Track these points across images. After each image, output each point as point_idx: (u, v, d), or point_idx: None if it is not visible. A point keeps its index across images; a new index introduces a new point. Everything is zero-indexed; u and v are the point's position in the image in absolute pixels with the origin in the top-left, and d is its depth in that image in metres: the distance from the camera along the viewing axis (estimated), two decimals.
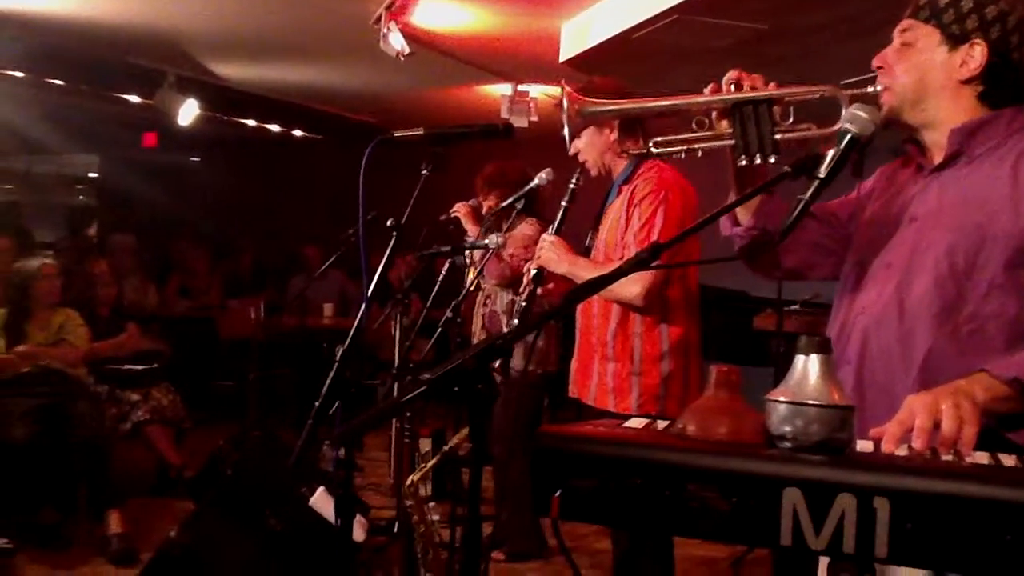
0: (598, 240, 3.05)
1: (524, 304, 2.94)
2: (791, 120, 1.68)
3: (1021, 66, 1.65)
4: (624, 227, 2.90)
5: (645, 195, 2.86)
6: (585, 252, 3.04)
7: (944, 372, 1.51)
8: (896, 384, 1.60)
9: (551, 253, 2.89)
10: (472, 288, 3.20)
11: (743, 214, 1.82)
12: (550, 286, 3.04)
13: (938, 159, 1.70)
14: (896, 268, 1.67)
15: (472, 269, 4.10)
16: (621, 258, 2.88)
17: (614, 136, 2.97)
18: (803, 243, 1.82)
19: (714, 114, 1.71)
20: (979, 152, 1.65)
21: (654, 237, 2.79)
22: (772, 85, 1.68)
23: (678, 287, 2.92)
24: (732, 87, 1.69)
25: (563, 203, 2.94)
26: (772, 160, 1.66)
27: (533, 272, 2.94)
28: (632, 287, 2.77)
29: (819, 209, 1.83)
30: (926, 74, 1.67)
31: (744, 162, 1.66)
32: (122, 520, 4.27)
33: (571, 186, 2.94)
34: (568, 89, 1.83)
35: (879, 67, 1.71)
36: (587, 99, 1.84)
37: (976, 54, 1.63)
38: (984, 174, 1.62)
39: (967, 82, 1.65)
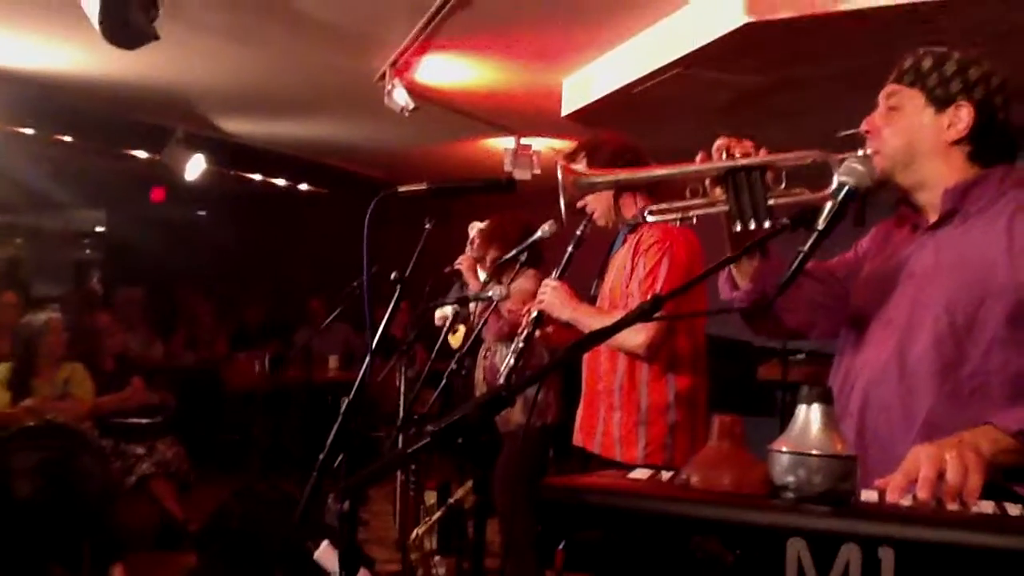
0: (603, 288, 3.06)
1: (521, 346, 2.94)
2: (783, 184, 1.70)
3: (1006, 125, 1.68)
4: (629, 276, 2.91)
5: (650, 245, 2.87)
6: (590, 300, 3.05)
7: (946, 429, 1.50)
8: (897, 441, 1.60)
9: (554, 298, 2.89)
10: (472, 341, 3.20)
11: (741, 278, 1.84)
12: (548, 329, 3.05)
13: (933, 218, 1.72)
14: (896, 325, 1.68)
15: (473, 321, 4.11)
16: (625, 307, 2.89)
17: (627, 203, 3.00)
18: (802, 302, 1.84)
19: (707, 182, 1.73)
20: (973, 210, 1.67)
21: (658, 287, 2.80)
22: (763, 152, 1.71)
23: (685, 338, 2.92)
24: (723, 154, 1.71)
25: (569, 249, 2.95)
26: (766, 225, 1.68)
27: (533, 315, 2.94)
28: (636, 337, 2.78)
29: (817, 268, 1.85)
30: (914, 137, 1.69)
31: (739, 228, 1.69)
32: (126, 575, 4.23)
33: (578, 232, 2.96)
34: (563, 162, 1.87)
35: (867, 132, 1.74)
36: (581, 172, 1.88)
37: (963, 115, 1.66)
38: (980, 232, 1.64)
39: (956, 143, 1.68)
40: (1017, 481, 1.46)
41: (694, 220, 1.74)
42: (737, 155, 1.70)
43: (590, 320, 2.86)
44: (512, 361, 2.94)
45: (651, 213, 1.75)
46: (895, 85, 1.73)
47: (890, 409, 1.64)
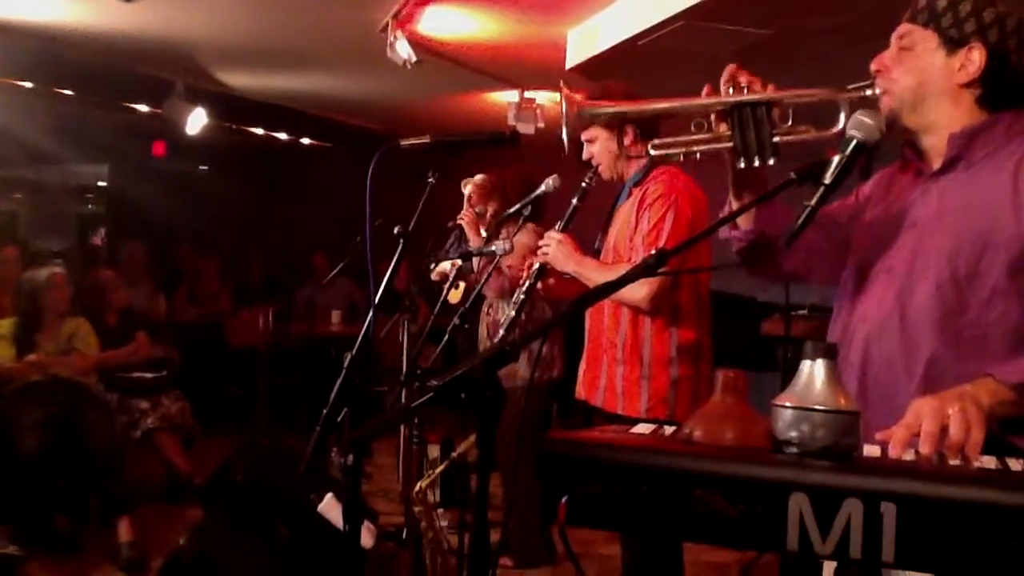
0: (607, 242, 3.05)
1: (523, 298, 2.94)
2: (790, 123, 1.68)
3: (1019, 69, 1.65)
4: (633, 229, 2.90)
5: (656, 199, 2.86)
6: (595, 254, 3.04)
7: (946, 378, 1.51)
8: (898, 390, 1.60)
9: (558, 251, 2.89)
10: (474, 298, 3.20)
11: (741, 218, 1.82)
12: (550, 282, 3.04)
13: (937, 164, 1.69)
14: (897, 274, 1.67)
15: (475, 277, 4.11)
16: (629, 260, 2.88)
17: (628, 141, 2.97)
18: (801, 247, 1.82)
19: (713, 117, 1.71)
20: (979, 157, 1.64)
21: (662, 241, 2.79)
22: (771, 88, 1.68)
23: (689, 292, 2.91)
24: (731, 89, 1.69)
25: (574, 201, 2.93)
26: (771, 163, 1.66)
27: (535, 267, 2.94)
28: (639, 290, 2.77)
29: (818, 214, 1.83)
30: (924, 78, 1.67)
31: (743, 165, 1.67)
32: (132, 528, 4.28)
33: (583, 185, 2.94)
34: (567, 91, 1.83)
35: (877, 71, 1.71)
36: (585, 101, 1.85)
37: (975, 58, 1.63)
38: (984, 179, 1.62)
39: (966, 86, 1.65)
40: (1015, 433, 1.47)
41: (697, 156, 1.71)
42: (744, 87, 1.67)
43: (594, 273, 2.85)
44: (513, 313, 2.94)
45: (655, 147, 1.72)
46: (908, 24, 1.70)
47: (891, 360, 1.64)
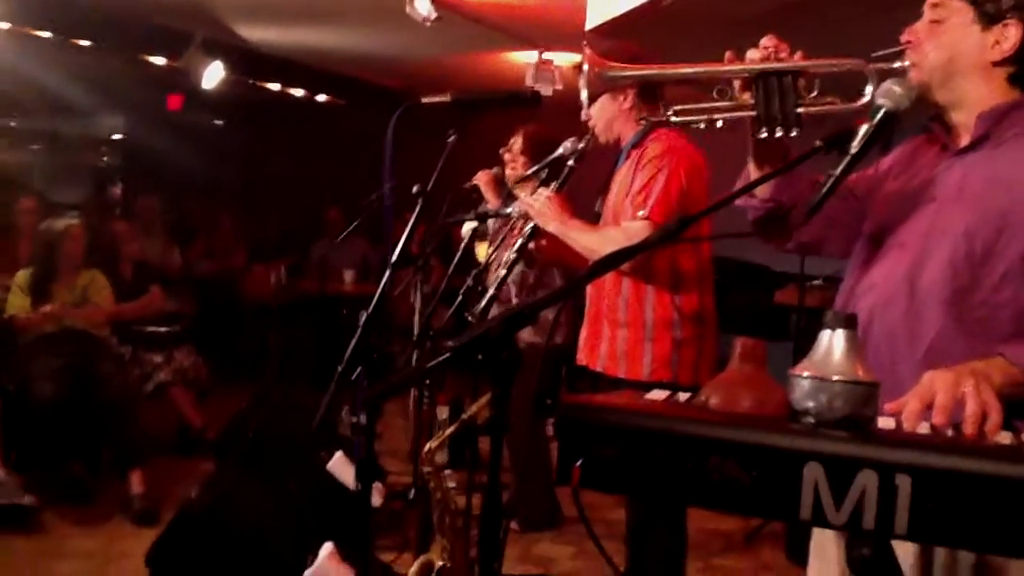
0: (606, 205, 3.04)
1: (514, 257, 2.94)
2: (815, 93, 1.65)
3: None
4: (628, 191, 2.89)
5: (650, 159, 2.84)
6: (595, 217, 3.03)
7: (950, 356, 1.49)
8: (900, 364, 1.59)
9: (544, 208, 2.88)
10: (490, 259, 3.19)
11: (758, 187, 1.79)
12: (543, 242, 3.03)
13: (964, 141, 1.67)
14: (910, 248, 1.65)
15: (489, 239, 4.09)
16: (617, 223, 2.88)
17: (627, 104, 2.96)
18: (819, 217, 1.80)
19: (736, 84, 1.68)
20: (1007, 136, 1.62)
21: (651, 202, 2.78)
22: (798, 55, 1.65)
23: (690, 256, 2.90)
24: (756, 56, 1.66)
25: (569, 163, 2.92)
26: (794, 134, 1.64)
27: (528, 228, 2.94)
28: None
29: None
30: (957, 53, 1.63)
31: (765, 135, 1.64)
32: (144, 480, 4.33)
33: (580, 146, 2.93)
34: (589, 52, 1.81)
35: (908, 42, 1.68)
36: (608, 63, 1.82)
37: (1010, 35, 1.59)
38: (1011, 159, 1.59)
39: (999, 63, 1.62)
40: (1017, 416, 1.45)
41: (719, 124, 1.68)
42: (771, 54, 1.64)
43: (576, 234, 2.86)
44: (503, 272, 2.94)
45: (676, 114, 1.70)
46: None
47: (895, 331, 1.63)
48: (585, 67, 1.78)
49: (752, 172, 1.79)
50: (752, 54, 1.66)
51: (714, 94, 1.69)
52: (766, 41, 1.66)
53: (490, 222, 4.01)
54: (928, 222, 1.65)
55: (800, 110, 1.62)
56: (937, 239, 1.61)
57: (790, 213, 1.74)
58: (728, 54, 1.69)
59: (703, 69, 1.71)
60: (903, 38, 1.69)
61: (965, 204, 1.60)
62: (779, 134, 1.63)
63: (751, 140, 1.72)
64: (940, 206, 1.64)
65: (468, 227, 4.11)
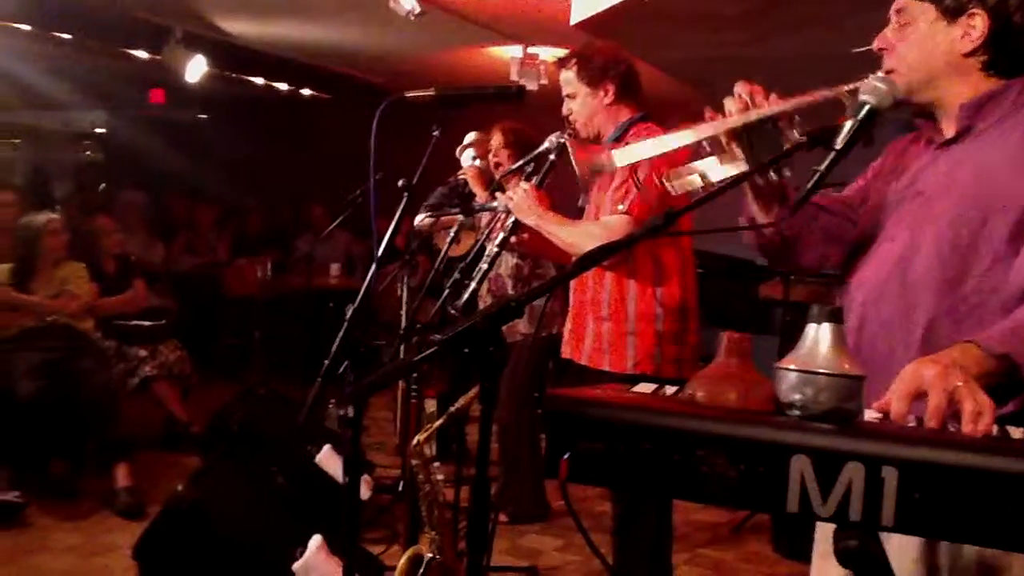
0: (589, 200, 3.05)
1: (495, 251, 2.95)
2: (798, 124, 1.66)
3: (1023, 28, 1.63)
4: (608, 185, 2.91)
5: None
6: (579, 212, 3.04)
7: (944, 346, 1.48)
8: (895, 356, 1.60)
9: (522, 201, 2.89)
10: (477, 251, 3.19)
11: (759, 212, 1.81)
12: (524, 236, 3.05)
13: (949, 133, 1.69)
14: (899, 242, 1.66)
15: (478, 232, 4.09)
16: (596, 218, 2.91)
17: (608, 99, 2.97)
18: (817, 238, 1.82)
19: (723, 139, 1.70)
20: (988, 125, 1.64)
21: (630, 197, 2.80)
22: (773, 98, 1.66)
23: (672, 250, 2.92)
24: (737, 105, 1.67)
25: (551, 157, 2.94)
26: (788, 175, 1.67)
27: (510, 221, 2.95)
28: (594, 245, 2.77)
29: (832, 202, 1.84)
30: (929, 51, 1.65)
31: (760, 182, 1.68)
32: (129, 474, 4.31)
33: (560, 141, 2.94)
34: (571, 147, 1.85)
35: (882, 49, 1.70)
36: (594, 156, 1.87)
37: (977, 24, 1.61)
38: (992, 146, 1.61)
39: (971, 54, 1.64)
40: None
41: (714, 186, 1.71)
42: (748, 105, 1.66)
43: (553, 227, 2.88)
44: (485, 266, 2.94)
45: (671, 181, 1.75)
46: None
47: (889, 326, 1.64)
48: (573, 162, 1.83)
49: (751, 203, 1.80)
50: (729, 105, 1.67)
51: (705, 147, 1.71)
52: (740, 88, 1.67)
53: (477, 215, 4.01)
54: (916, 214, 1.66)
55: (787, 146, 1.64)
56: (925, 230, 1.62)
57: (789, 214, 1.75)
58: (707, 112, 1.70)
59: (692, 133, 1.70)
60: (875, 46, 1.70)
61: (951, 194, 1.62)
62: (773, 178, 1.67)
63: (749, 185, 1.74)
64: (928, 198, 1.66)
65: (420, 222, 4.12)
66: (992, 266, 1.55)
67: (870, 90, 1.56)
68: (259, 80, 8.35)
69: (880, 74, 1.60)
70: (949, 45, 1.63)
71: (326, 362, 2.07)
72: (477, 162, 4.46)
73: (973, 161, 1.62)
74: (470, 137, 4.62)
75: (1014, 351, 1.38)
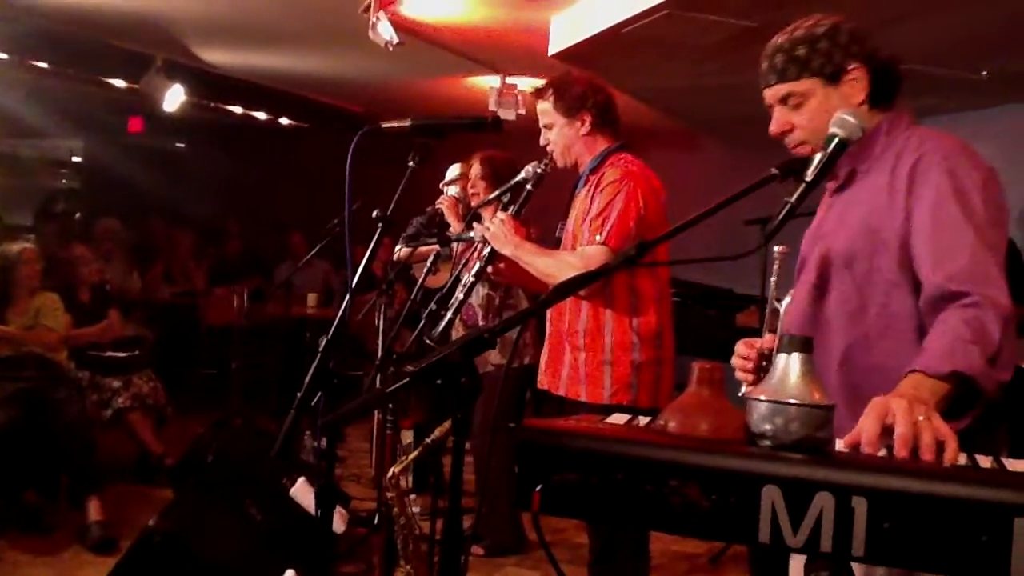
0: (567, 230, 3.06)
1: (472, 281, 2.96)
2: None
3: (887, 60, 1.80)
4: (586, 215, 2.92)
5: (608, 184, 2.87)
6: (556, 242, 3.05)
7: (860, 367, 1.69)
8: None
9: (499, 231, 2.90)
10: (453, 282, 3.19)
11: None
12: (500, 266, 3.05)
13: (841, 180, 1.84)
14: (806, 284, 1.82)
15: (454, 262, 4.09)
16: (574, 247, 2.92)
17: (584, 129, 2.99)
18: None
19: None
20: (868, 167, 1.78)
21: (608, 226, 2.81)
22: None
23: (648, 279, 2.93)
24: None
25: (528, 187, 2.95)
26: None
27: (486, 251, 2.95)
28: (571, 275, 2.77)
29: None
30: (831, 114, 1.72)
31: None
32: (102, 508, 4.25)
33: (538, 171, 2.95)
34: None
35: (780, 133, 1.83)
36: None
37: (859, 76, 1.77)
38: (870, 185, 1.76)
39: (863, 103, 1.78)
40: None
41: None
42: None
43: (531, 257, 2.89)
44: (461, 296, 2.95)
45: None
46: (781, 86, 1.80)
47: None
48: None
49: None
50: None
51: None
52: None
53: (453, 245, 4.01)
54: (820, 257, 1.81)
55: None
56: (827, 270, 1.78)
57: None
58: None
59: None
60: (773, 133, 1.83)
61: (843, 234, 1.77)
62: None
63: None
64: (827, 243, 1.81)
65: (399, 252, 4.12)
66: (890, 291, 1.69)
67: (839, 123, 1.62)
68: (237, 109, 8.35)
69: (840, 115, 1.65)
70: (844, 102, 1.76)
71: (299, 393, 2.06)
72: (454, 190, 4.47)
73: (857, 202, 1.77)
74: (453, 172, 4.63)
75: (959, 366, 1.43)
